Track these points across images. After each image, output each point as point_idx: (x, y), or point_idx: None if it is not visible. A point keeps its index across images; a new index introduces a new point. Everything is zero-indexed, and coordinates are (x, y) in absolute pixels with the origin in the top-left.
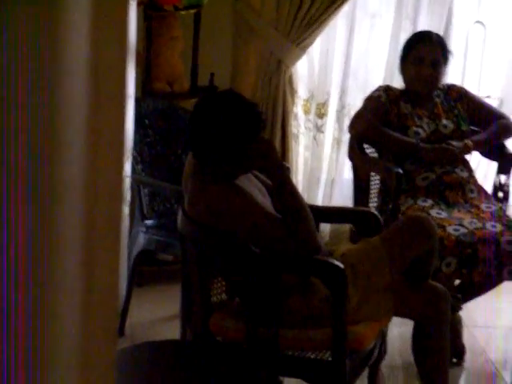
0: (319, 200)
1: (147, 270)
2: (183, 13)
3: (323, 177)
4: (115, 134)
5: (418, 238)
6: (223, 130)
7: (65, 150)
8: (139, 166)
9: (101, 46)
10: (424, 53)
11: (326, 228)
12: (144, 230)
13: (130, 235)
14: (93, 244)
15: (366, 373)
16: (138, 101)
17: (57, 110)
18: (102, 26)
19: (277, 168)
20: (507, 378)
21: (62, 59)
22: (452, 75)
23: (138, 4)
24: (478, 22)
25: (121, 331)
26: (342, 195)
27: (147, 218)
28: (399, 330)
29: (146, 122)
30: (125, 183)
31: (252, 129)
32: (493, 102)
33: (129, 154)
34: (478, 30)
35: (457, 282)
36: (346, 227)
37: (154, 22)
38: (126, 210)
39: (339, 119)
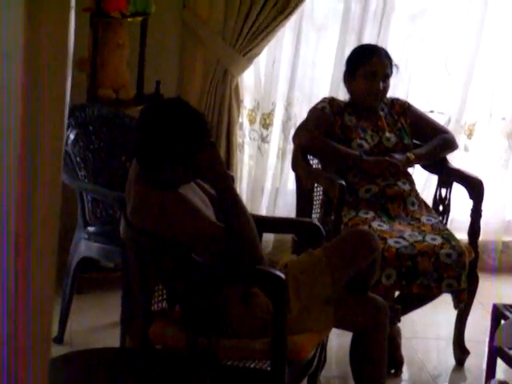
0: (263, 210)
1: (88, 277)
2: (130, 20)
3: (267, 187)
4: (54, 145)
5: (360, 252)
6: (170, 137)
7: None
8: (82, 173)
9: (40, 54)
10: (377, 67)
11: (268, 238)
12: (86, 236)
13: (72, 242)
14: (28, 252)
15: (304, 382)
16: (82, 107)
17: None
18: (41, 33)
19: (222, 177)
20: None
21: None
22: (396, 89)
23: (85, 10)
24: (421, 39)
25: (60, 338)
26: (286, 205)
27: (90, 225)
28: (337, 341)
29: (91, 128)
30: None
31: (199, 138)
32: (436, 117)
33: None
34: (420, 44)
35: (396, 293)
36: (289, 237)
37: (101, 28)
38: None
39: (284, 130)
